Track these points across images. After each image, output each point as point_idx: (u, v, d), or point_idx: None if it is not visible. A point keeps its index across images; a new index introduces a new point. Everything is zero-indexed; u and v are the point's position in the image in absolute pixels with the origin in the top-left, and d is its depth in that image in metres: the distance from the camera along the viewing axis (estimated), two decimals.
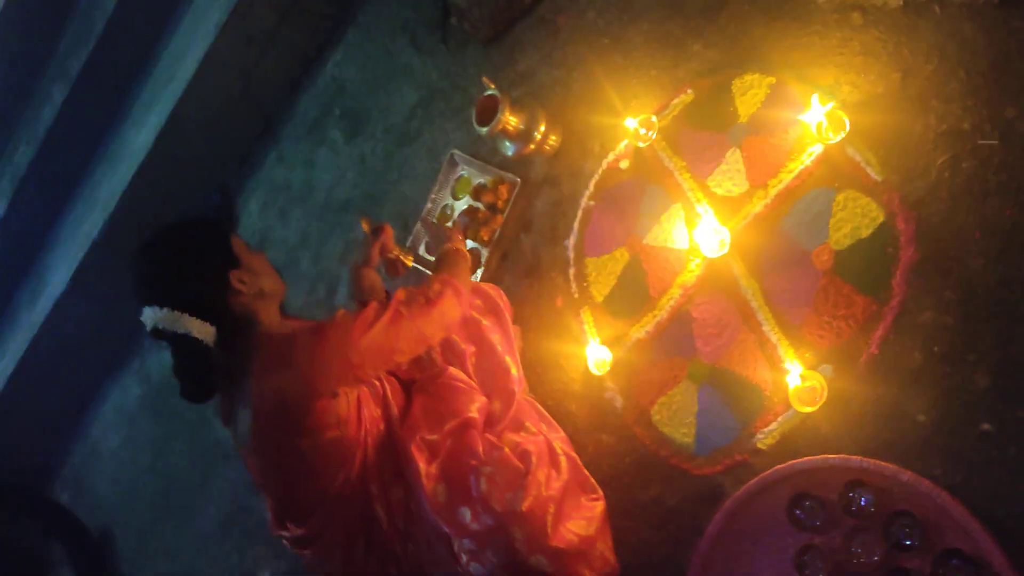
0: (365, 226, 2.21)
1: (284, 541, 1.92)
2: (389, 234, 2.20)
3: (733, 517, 1.80)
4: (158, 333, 1.69)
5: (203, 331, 1.69)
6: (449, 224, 2.70)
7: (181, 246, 1.73)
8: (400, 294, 1.83)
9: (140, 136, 3.77)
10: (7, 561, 4.32)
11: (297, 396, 1.66)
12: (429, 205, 2.77)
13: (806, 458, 1.72)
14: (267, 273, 1.82)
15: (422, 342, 1.82)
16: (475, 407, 1.97)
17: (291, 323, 1.86)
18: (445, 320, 1.85)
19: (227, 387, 1.78)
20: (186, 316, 1.67)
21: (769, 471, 1.76)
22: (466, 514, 1.81)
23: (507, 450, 1.89)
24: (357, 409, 1.81)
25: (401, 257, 2.28)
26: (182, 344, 1.69)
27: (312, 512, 1.81)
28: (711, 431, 1.93)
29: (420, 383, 2.06)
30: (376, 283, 2.18)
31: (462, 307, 1.90)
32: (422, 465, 1.86)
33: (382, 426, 1.91)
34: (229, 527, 3.30)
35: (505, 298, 2.24)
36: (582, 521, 1.89)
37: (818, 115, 1.85)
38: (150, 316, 1.68)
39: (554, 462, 1.95)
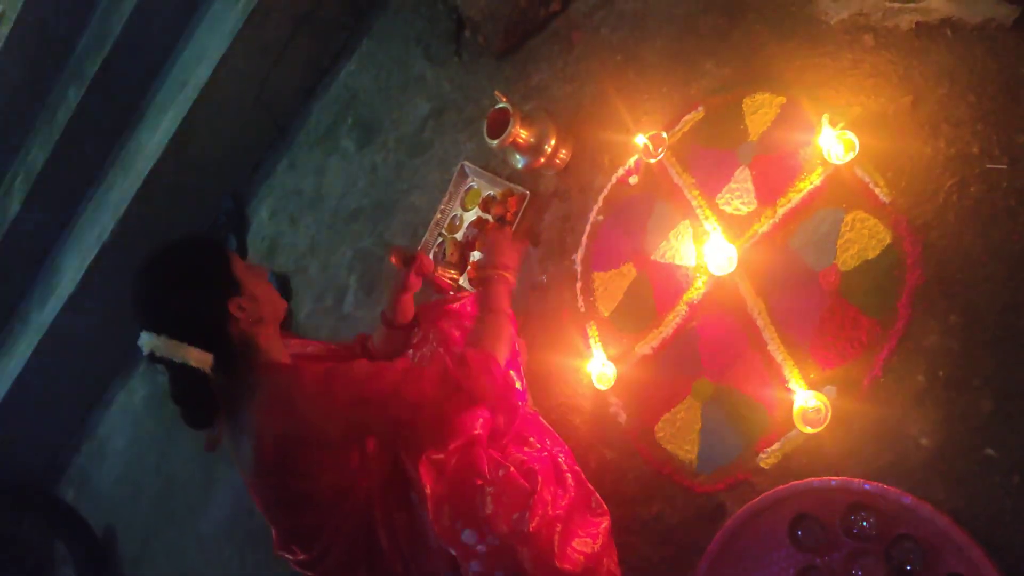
0: (395, 260, 2.21)
1: (288, 562, 1.92)
2: (423, 259, 2.19)
3: (734, 536, 1.80)
4: (155, 358, 1.67)
5: (201, 359, 1.67)
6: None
7: (180, 271, 1.71)
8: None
9: (153, 140, 3.79)
10: (11, 558, 4.34)
11: (298, 444, 1.67)
12: (438, 216, 2.78)
13: (808, 479, 1.71)
14: (267, 298, 1.78)
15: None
16: (479, 423, 1.94)
17: (291, 341, 1.86)
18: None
19: (227, 410, 1.75)
20: (184, 345, 1.65)
21: (771, 491, 1.75)
22: (471, 536, 1.78)
23: (512, 469, 1.87)
24: (360, 449, 1.83)
25: (444, 276, 2.29)
26: (179, 372, 1.67)
27: (315, 539, 1.82)
28: (714, 449, 1.93)
29: None
30: (409, 310, 2.20)
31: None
32: (428, 486, 1.83)
33: (385, 453, 1.91)
34: (231, 530, 3.30)
35: (512, 312, 2.24)
36: (588, 538, 1.88)
37: (828, 135, 1.85)
38: (147, 341, 1.67)
39: (560, 479, 1.94)
